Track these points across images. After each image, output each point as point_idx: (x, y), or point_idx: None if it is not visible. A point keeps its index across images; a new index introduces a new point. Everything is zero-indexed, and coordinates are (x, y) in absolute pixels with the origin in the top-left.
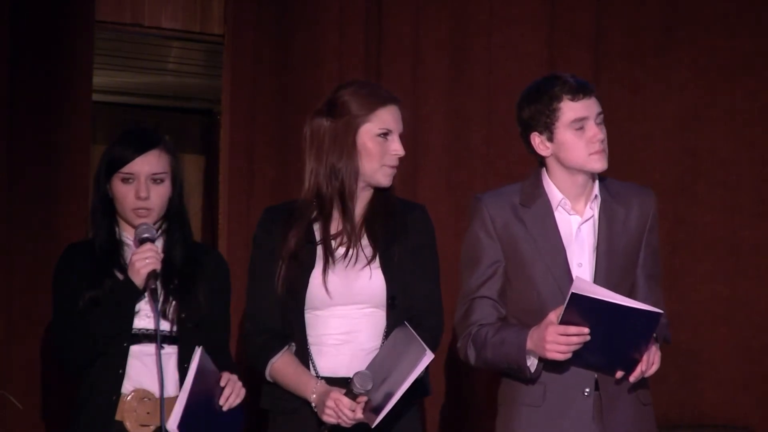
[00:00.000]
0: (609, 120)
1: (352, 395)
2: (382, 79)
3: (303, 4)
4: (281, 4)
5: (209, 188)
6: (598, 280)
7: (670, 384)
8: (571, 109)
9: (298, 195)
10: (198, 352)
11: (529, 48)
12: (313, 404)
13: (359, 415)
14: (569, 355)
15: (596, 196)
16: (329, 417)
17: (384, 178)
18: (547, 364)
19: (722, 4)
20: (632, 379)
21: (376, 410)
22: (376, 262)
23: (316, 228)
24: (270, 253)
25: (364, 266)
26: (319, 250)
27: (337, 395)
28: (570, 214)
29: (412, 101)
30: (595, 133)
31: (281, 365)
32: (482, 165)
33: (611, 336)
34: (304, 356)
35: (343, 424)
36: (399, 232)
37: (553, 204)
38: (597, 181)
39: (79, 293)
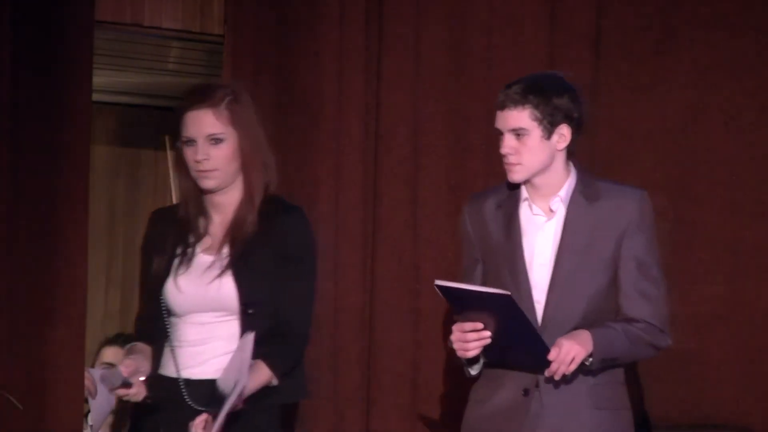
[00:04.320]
0: (609, 120)
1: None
2: (382, 79)
3: (303, 4)
4: (281, 4)
5: None
6: (556, 279)
7: (670, 384)
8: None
9: (298, 195)
10: None
11: (529, 48)
12: None
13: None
14: (474, 353)
15: (563, 196)
16: None
17: (203, 183)
18: (494, 363)
19: (722, 4)
20: (547, 373)
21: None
22: (231, 269)
23: (187, 234)
24: (148, 257)
25: (218, 273)
26: (180, 256)
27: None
28: (534, 213)
29: (412, 101)
30: (501, 147)
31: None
32: (482, 165)
33: (501, 328)
34: (167, 358)
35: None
36: (267, 237)
37: (519, 203)
38: (569, 181)
39: None
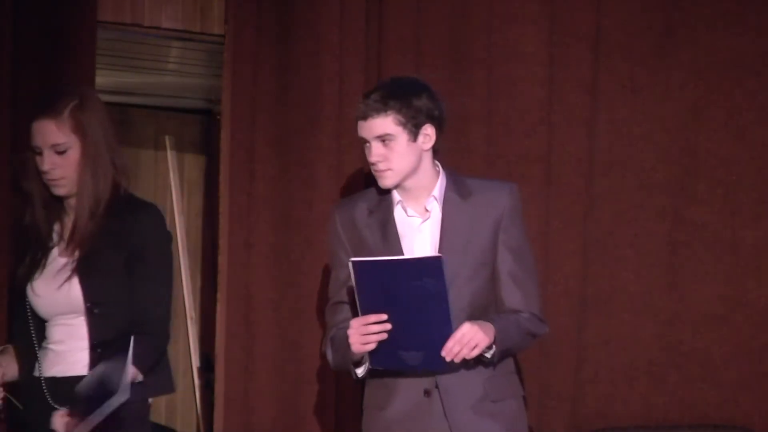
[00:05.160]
0: (609, 120)
1: None
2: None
3: (303, 3)
4: (281, 4)
5: (209, 188)
6: None
7: (670, 384)
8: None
9: (299, 194)
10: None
11: (529, 48)
12: None
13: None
14: (372, 346)
15: (437, 195)
16: None
17: (54, 191)
18: (381, 367)
19: (722, 4)
20: (444, 353)
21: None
22: (77, 271)
23: (45, 238)
24: (16, 263)
25: (67, 276)
26: (38, 261)
27: None
28: (408, 216)
29: None
30: (369, 156)
31: None
32: (482, 165)
33: (411, 309)
34: (31, 360)
35: None
36: (117, 236)
37: (393, 206)
38: (440, 180)
39: None
